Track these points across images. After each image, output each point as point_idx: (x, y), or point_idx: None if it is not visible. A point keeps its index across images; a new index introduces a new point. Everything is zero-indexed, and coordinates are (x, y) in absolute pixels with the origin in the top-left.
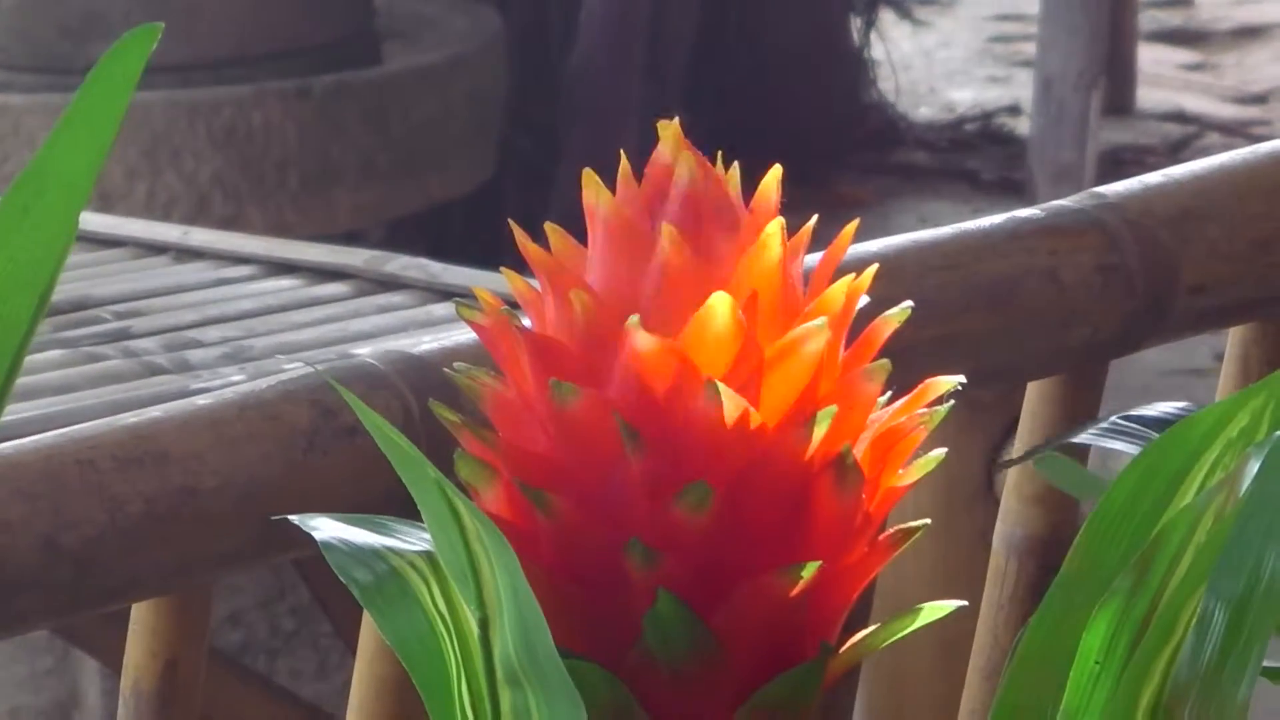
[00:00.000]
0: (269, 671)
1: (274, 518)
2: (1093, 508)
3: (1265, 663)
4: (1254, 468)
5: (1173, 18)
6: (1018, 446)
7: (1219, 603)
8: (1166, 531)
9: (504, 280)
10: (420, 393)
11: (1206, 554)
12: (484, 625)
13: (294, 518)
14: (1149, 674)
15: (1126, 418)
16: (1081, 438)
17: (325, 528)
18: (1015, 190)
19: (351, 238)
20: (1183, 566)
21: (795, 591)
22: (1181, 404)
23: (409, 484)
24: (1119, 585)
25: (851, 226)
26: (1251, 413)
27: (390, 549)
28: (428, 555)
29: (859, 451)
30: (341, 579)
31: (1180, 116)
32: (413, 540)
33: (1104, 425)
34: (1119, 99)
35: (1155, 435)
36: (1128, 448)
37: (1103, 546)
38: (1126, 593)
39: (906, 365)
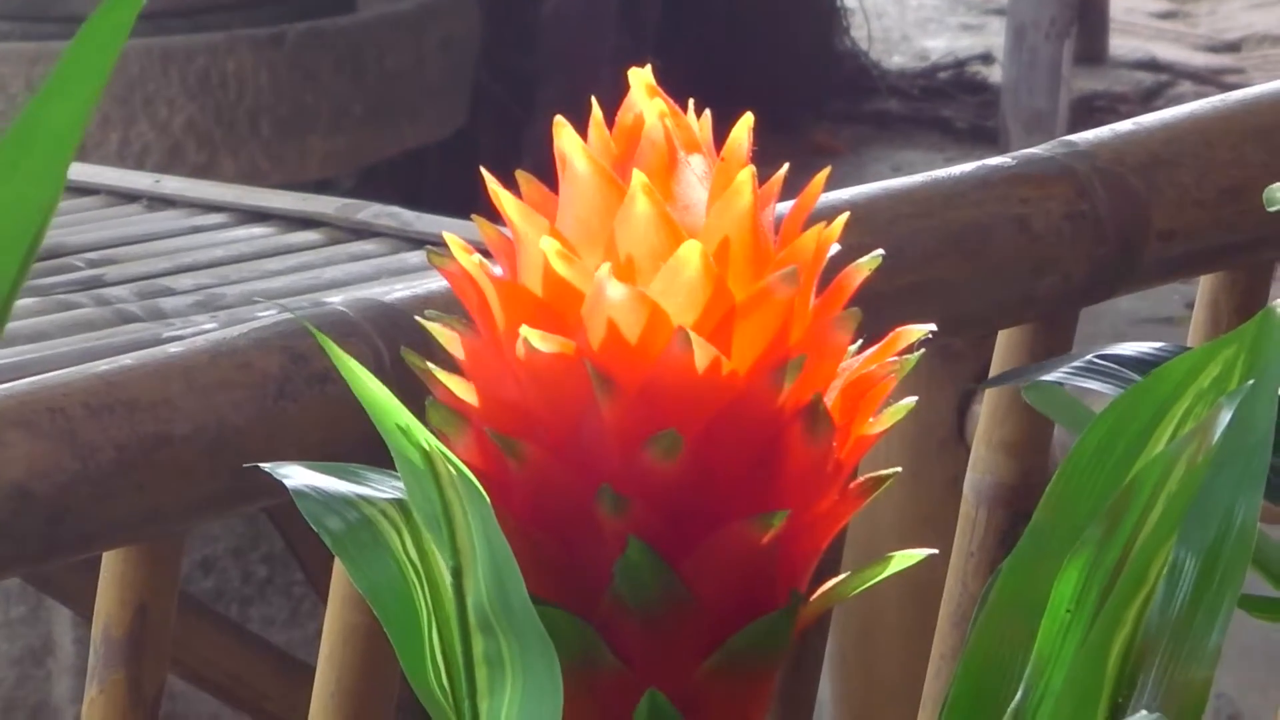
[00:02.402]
0: (241, 619)
1: (246, 465)
2: (1063, 456)
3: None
4: (1226, 417)
5: None
6: (987, 394)
7: (1190, 552)
8: (1138, 480)
9: (476, 228)
10: (392, 340)
11: (1178, 503)
12: (457, 573)
13: (265, 465)
14: (1120, 622)
15: (1103, 356)
16: (1055, 375)
17: (297, 475)
18: (988, 138)
19: (325, 185)
20: (1154, 515)
21: (766, 539)
22: (1158, 344)
23: (383, 431)
24: (1090, 534)
25: (822, 175)
26: (1223, 362)
27: (362, 497)
28: (399, 503)
29: (830, 399)
30: (313, 527)
31: (1153, 65)
32: (384, 488)
33: (1079, 364)
34: (1091, 47)
35: (1132, 374)
36: (1103, 387)
37: (1074, 495)
38: (1098, 541)
39: (877, 313)
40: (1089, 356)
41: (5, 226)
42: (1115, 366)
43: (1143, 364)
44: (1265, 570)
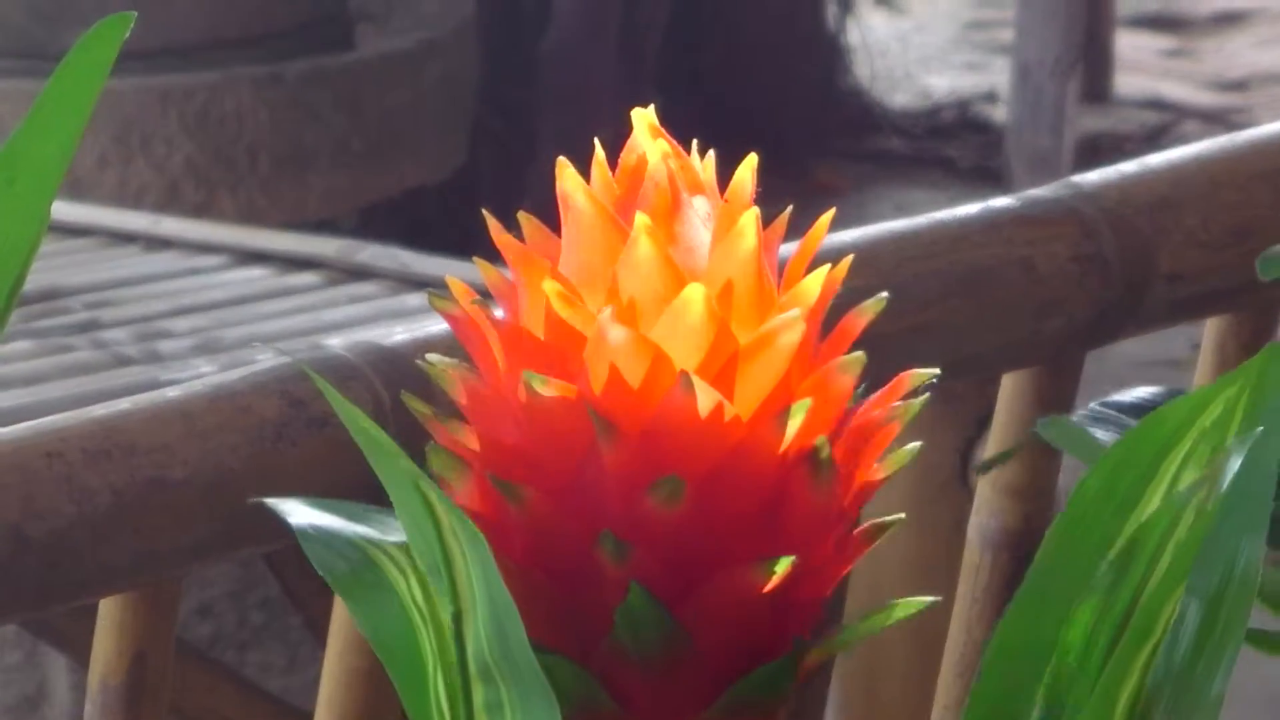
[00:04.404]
0: (239, 664)
1: (250, 500)
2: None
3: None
4: (1235, 464)
5: (1151, 3)
6: (992, 438)
7: (1194, 598)
8: (1147, 527)
9: (477, 270)
10: (392, 384)
11: (1187, 551)
12: (457, 619)
13: (269, 501)
14: (1129, 671)
15: (1105, 404)
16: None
17: (299, 513)
18: (992, 178)
19: (324, 224)
20: (1163, 564)
21: (768, 586)
22: (1159, 389)
23: (382, 476)
24: (1099, 581)
25: (827, 217)
26: (1225, 403)
27: (366, 539)
28: (404, 546)
29: (833, 445)
30: (317, 569)
31: (1158, 104)
32: (388, 529)
33: (1083, 413)
34: (1097, 86)
35: (1134, 422)
36: (1107, 436)
37: (1076, 538)
38: (1106, 589)
39: (881, 355)
40: (1092, 405)
41: None
42: (1117, 414)
43: (1143, 410)
44: (1268, 602)
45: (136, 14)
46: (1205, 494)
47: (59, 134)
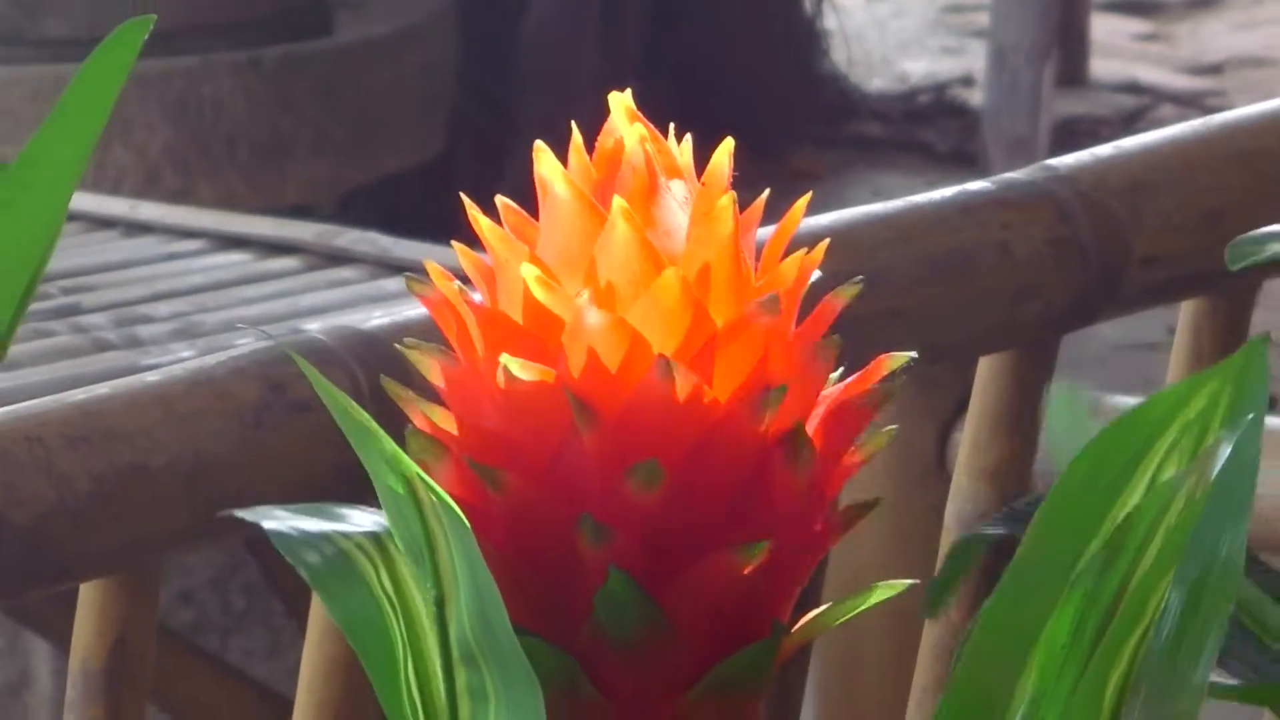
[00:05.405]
0: (221, 650)
1: (223, 509)
2: (1044, 486)
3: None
4: (1225, 452)
5: None
6: (968, 422)
7: (1176, 586)
8: (1136, 514)
9: (456, 255)
10: (370, 368)
11: (1176, 537)
12: (439, 603)
13: (240, 512)
14: (1118, 659)
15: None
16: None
17: (274, 518)
18: (969, 162)
19: (303, 210)
20: (1152, 550)
21: (747, 569)
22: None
23: (364, 458)
24: (1088, 568)
25: (803, 201)
26: (1208, 395)
27: (337, 531)
28: (375, 538)
29: (811, 428)
30: (291, 561)
31: (1134, 88)
32: (360, 524)
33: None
34: (1072, 70)
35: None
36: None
37: (1060, 527)
38: (1095, 576)
39: (859, 339)
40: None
41: (4, 262)
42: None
43: None
44: (1249, 615)
45: (155, 17)
46: (1195, 482)
47: (77, 135)
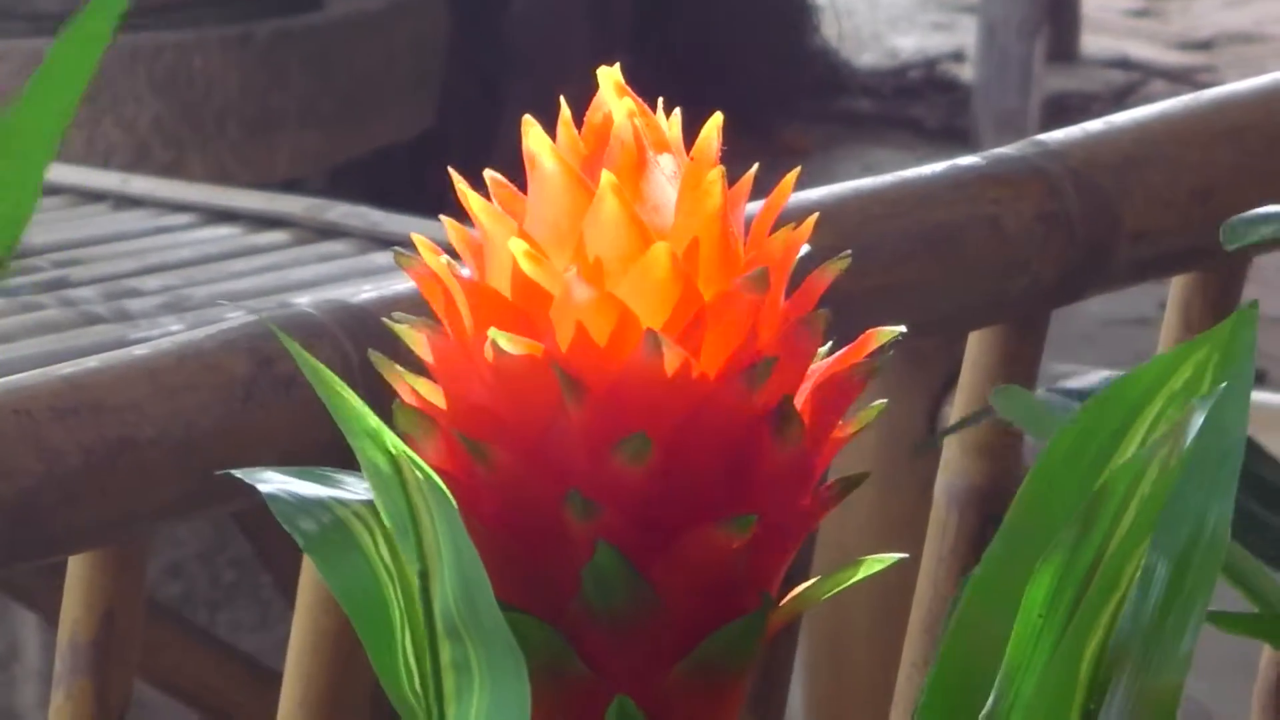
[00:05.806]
0: (210, 624)
1: (218, 473)
2: (1034, 459)
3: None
4: (1199, 420)
5: None
6: (958, 397)
7: (1161, 557)
8: (1111, 484)
9: (445, 229)
10: (359, 342)
11: (1151, 507)
12: (424, 578)
13: (238, 472)
14: (1093, 628)
15: (1054, 390)
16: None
17: (270, 480)
18: (959, 138)
19: (293, 185)
20: (1127, 520)
21: (736, 544)
22: (1108, 374)
23: (348, 434)
24: (1063, 539)
25: (792, 175)
26: (1195, 365)
27: (335, 499)
28: (371, 505)
29: (800, 402)
30: (287, 529)
31: (1125, 63)
32: (357, 490)
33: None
34: (1063, 45)
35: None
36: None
37: (1045, 499)
38: (1070, 546)
39: (848, 314)
40: (1040, 390)
41: None
42: (1062, 399)
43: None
44: (1244, 586)
45: None
46: (1169, 450)
47: (53, 107)
